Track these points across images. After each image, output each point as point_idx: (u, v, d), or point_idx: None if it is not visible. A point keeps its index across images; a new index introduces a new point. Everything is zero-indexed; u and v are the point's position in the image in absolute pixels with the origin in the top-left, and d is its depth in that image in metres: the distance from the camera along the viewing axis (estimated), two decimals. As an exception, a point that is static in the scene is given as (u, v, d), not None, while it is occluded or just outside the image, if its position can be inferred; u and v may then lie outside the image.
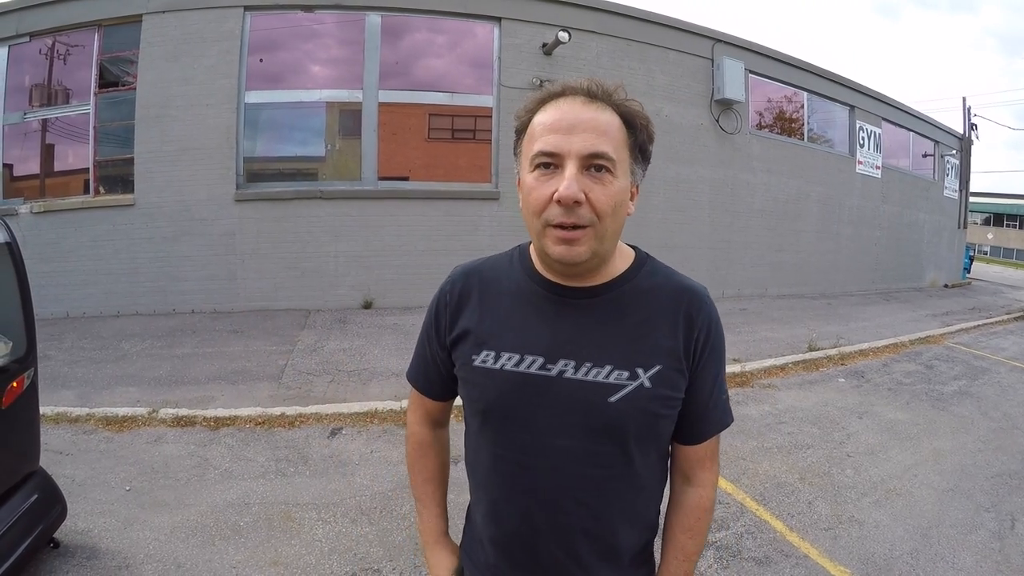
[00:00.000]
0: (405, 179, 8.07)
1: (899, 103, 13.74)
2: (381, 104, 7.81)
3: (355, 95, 7.78)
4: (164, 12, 7.26)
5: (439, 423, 1.23)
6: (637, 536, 1.03)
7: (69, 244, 7.31)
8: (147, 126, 7.28)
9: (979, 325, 9.70)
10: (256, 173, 7.69)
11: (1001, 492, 3.66)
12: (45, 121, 7.63)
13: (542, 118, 0.90)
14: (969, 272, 19.08)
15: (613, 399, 0.92)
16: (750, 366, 5.96)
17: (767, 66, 10.69)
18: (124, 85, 7.53)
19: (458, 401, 1.15)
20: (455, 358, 1.05)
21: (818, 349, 6.75)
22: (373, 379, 5.14)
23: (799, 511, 3.31)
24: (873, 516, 3.29)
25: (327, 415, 4.32)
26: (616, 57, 8.80)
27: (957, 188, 16.47)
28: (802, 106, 11.59)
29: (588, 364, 0.93)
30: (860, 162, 12.51)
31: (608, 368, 0.93)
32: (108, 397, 4.56)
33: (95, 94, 7.48)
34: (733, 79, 9.65)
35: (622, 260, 1.00)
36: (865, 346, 7.24)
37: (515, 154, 0.99)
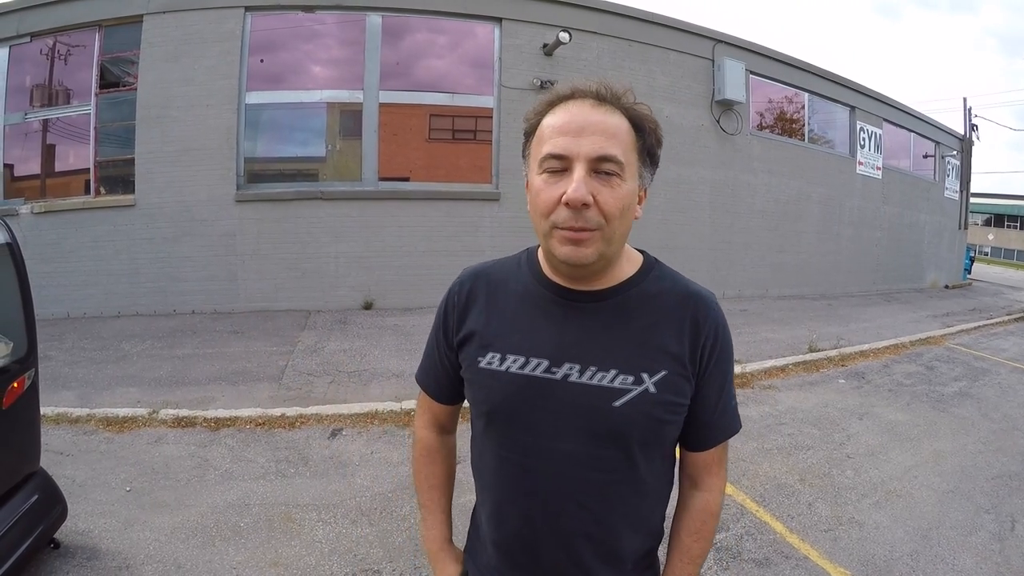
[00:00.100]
0: (406, 180, 8.08)
1: (900, 104, 13.74)
2: (382, 105, 7.81)
3: (356, 96, 7.79)
4: (165, 12, 7.26)
5: (446, 429, 1.23)
6: (640, 541, 1.03)
7: (70, 244, 7.31)
8: (148, 126, 7.28)
9: (980, 326, 9.69)
10: (257, 174, 7.70)
11: (1001, 493, 3.66)
12: (46, 121, 7.63)
13: (551, 120, 0.90)
14: (970, 273, 19.09)
15: (617, 404, 0.92)
16: (750, 367, 5.96)
17: (768, 67, 10.69)
18: (125, 85, 7.53)
19: (465, 404, 1.16)
20: (461, 359, 1.06)
21: (818, 350, 6.75)
22: (373, 380, 5.14)
23: (799, 512, 3.31)
24: (873, 517, 3.28)
25: (327, 416, 4.32)
26: (617, 58, 8.80)
27: (958, 189, 16.46)
28: (803, 107, 11.59)
29: (593, 368, 0.93)
30: (861, 163, 12.51)
31: (613, 372, 0.93)
32: (108, 398, 4.56)
33: (96, 94, 7.49)
34: (734, 80, 9.65)
35: (629, 264, 1.00)
36: (866, 347, 7.24)
37: (524, 156, 0.99)
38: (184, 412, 4.26)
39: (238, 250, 7.46)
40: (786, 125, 11.47)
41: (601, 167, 0.86)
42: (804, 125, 11.65)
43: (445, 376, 1.13)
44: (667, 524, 1.10)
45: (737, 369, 5.79)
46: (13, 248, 2.39)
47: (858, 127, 12.43)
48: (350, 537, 2.89)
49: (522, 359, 0.96)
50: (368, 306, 7.70)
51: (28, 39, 7.52)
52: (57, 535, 2.62)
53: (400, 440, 4.01)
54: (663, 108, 9.09)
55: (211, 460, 3.66)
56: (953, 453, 4.27)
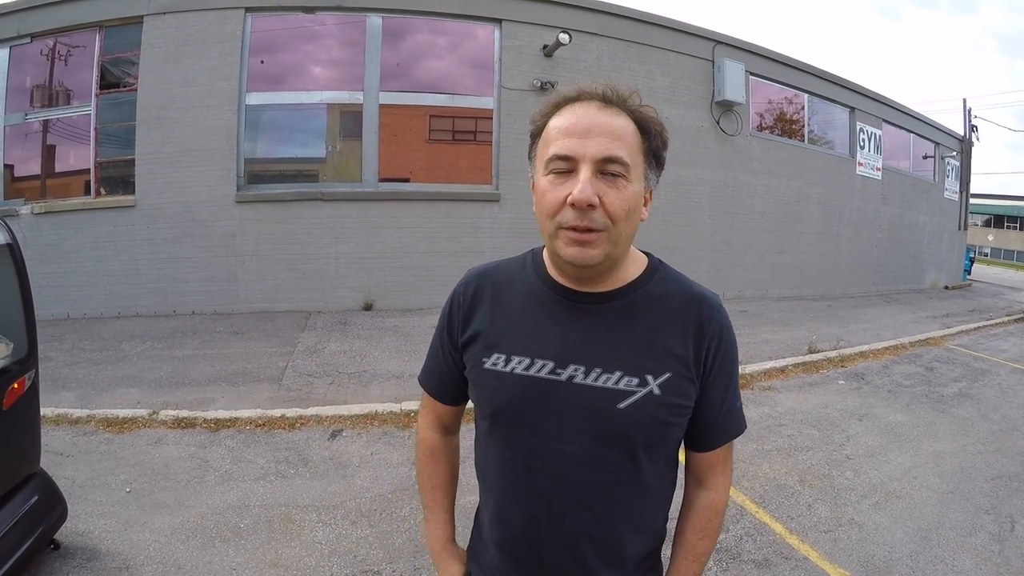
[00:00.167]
0: (406, 181, 8.08)
1: (899, 104, 13.75)
2: (382, 106, 7.82)
3: (356, 97, 7.79)
4: (165, 13, 7.27)
5: (450, 429, 1.23)
6: (643, 543, 1.03)
7: (70, 245, 7.32)
8: (148, 127, 7.29)
9: (979, 327, 9.69)
10: (257, 175, 7.70)
11: (1001, 494, 3.66)
12: (46, 122, 7.64)
13: (557, 122, 0.91)
14: (969, 274, 19.10)
15: (622, 405, 0.92)
16: (750, 368, 5.96)
17: (767, 68, 10.70)
18: (125, 86, 7.54)
19: (469, 404, 1.16)
20: (466, 360, 1.06)
21: (818, 351, 6.75)
22: (373, 381, 5.14)
23: (799, 513, 3.31)
24: (873, 518, 3.29)
25: (327, 417, 4.32)
26: (616, 59, 8.81)
27: (957, 190, 16.47)
28: (802, 108, 11.60)
29: (598, 370, 0.93)
30: (860, 164, 12.51)
31: (618, 374, 0.93)
32: (109, 398, 4.56)
33: (96, 95, 7.50)
34: (733, 81, 9.66)
35: (635, 266, 1.01)
36: (865, 348, 7.24)
37: (529, 158, 0.99)
38: (184, 413, 4.26)
39: (238, 251, 7.47)
40: (786, 126, 11.48)
41: (607, 168, 0.86)
42: (804, 126, 11.66)
43: (449, 377, 1.13)
44: (670, 524, 1.11)
45: (737, 370, 5.79)
46: (13, 249, 2.39)
47: (858, 128, 12.44)
48: (350, 538, 2.89)
49: (527, 360, 0.96)
50: (368, 307, 7.70)
51: (29, 40, 7.53)
52: (57, 536, 2.62)
53: (400, 441, 4.01)
54: (663, 109, 9.01)
55: (211, 461, 3.66)
56: (953, 454, 4.27)
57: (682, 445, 1.06)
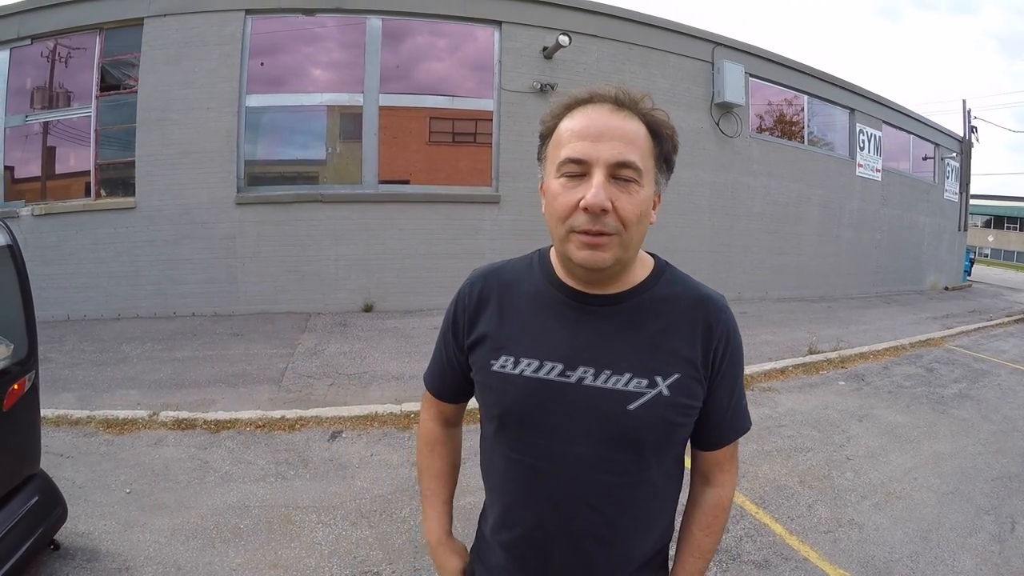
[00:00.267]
0: (406, 183, 8.09)
1: (899, 106, 13.75)
2: (382, 108, 7.83)
3: (356, 99, 7.80)
4: (165, 15, 7.28)
5: (451, 422, 1.24)
6: (651, 543, 1.03)
7: (70, 247, 7.33)
8: (148, 129, 7.30)
9: (979, 328, 9.69)
10: (257, 176, 7.71)
11: (1001, 495, 3.66)
12: (46, 124, 7.65)
13: (569, 124, 0.90)
14: (969, 275, 19.10)
15: (632, 407, 0.92)
16: (750, 369, 5.96)
17: (767, 69, 10.71)
18: (125, 88, 7.55)
19: (472, 404, 1.16)
20: (472, 362, 1.06)
21: (818, 352, 6.75)
22: (373, 382, 5.14)
23: (799, 514, 3.31)
24: (873, 519, 3.29)
25: (327, 418, 4.32)
26: (616, 61, 8.82)
27: (957, 191, 16.48)
28: (802, 109, 11.60)
29: (607, 372, 0.93)
30: (860, 165, 12.52)
31: (627, 376, 0.93)
32: (109, 400, 4.56)
33: (96, 97, 7.51)
34: (733, 82, 9.67)
35: (641, 268, 1.01)
36: (865, 349, 7.24)
37: (539, 159, 0.99)
38: (184, 414, 4.27)
39: (238, 253, 7.47)
40: (786, 127, 11.49)
41: (620, 173, 0.86)
42: (804, 127, 11.67)
43: (452, 377, 1.13)
44: (675, 524, 1.11)
45: (737, 371, 5.79)
46: (14, 250, 2.39)
47: (857, 129, 12.45)
48: (350, 539, 2.89)
49: (536, 362, 0.96)
50: (368, 308, 7.70)
51: (29, 41, 7.54)
52: (57, 537, 2.62)
53: (400, 442, 4.01)
54: (662, 111, 9.09)
55: (211, 462, 3.66)
56: (953, 455, 4.27)
57: (687, 444, 1.07)
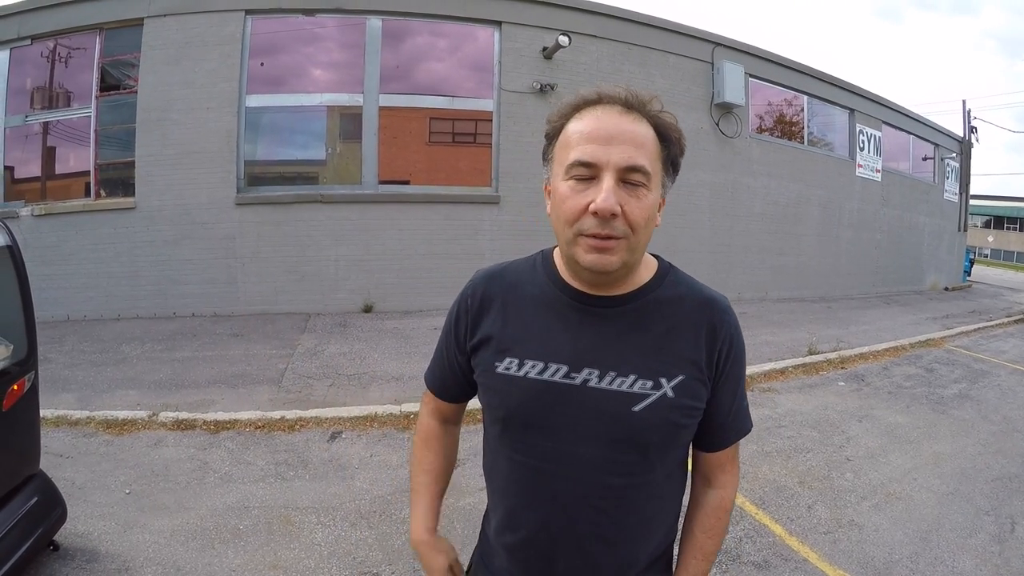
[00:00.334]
0: (405, 183, 8.09)
1: (899, 106, 13.76)
2: (382, 108, 7.83)
3: (356, 99, 7.80)
4: (165, 16, 7.28)
5: (449, 420, 1.23)
6: (655, 544, 1.03)
7: (70, 247, 7.32)
8: (148, 129, 7.30)
9: (979, 328, 9.69)
10: (257, 177, 7.71)
11: (1001, 495, 3.66)
12: (46, 124, 7.65)
13: (578, 126, 0.90)
14: (969, 275, 19.09)
15: (637, 408, 0.92)
16: (750, 370, 5.96)
17: (767, 70, 10.71)
18: (125, 88, 7.55)
19: (472, 404, 1.16)
20: (475, 364, 1.05)
21: (818, 353, 6.75)
22: (373, 383, 5.14)
23: (798, 515, 3.31)
24: (873, 520, 3.29)
25: (327, 419, 4.32)
26: (616, 61, 8.82)
27: (957, 191, 16.48)
28: (802, 109, 11.61)
29: (612, 373, 0.93)
30: (860, 165, 12.52)
31: (632, 378, 0.93)
32: (108, 400, 4.56)
33: (96, 97, 7.51)
34: (733, 83, 9.67)
35: (646, 270, 1.01)
36: (865, 349, 7.24)
37: (545, 159, 0.98)
38: (184, 415, 4.26)
39: (238, 253, 7.47)
40: (785, 128, 11.49)
41: (629, 177, 0.86)
42: (803, 128, 11.67)
43: (453, 378, 1.13)
44: (678, 525, 1.11)
45: (737, 371, 5.79)
46: (13, 250, 2.39)
47: (857, 130, 12.45)
48: (349, 540, 2.89)
49: (541, 364, 0.96)
50: (368, 309, 7.70)
51: (29, 42, 7.54)
52: (57, 537, 2.62)
53: (399, 443, 4.01)
54: (662, 111, 9.09)
55: (211, 463, 3.66)
56: (953, 455, 4.27)
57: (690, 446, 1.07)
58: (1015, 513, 3.43)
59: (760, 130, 10.95)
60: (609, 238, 0.86)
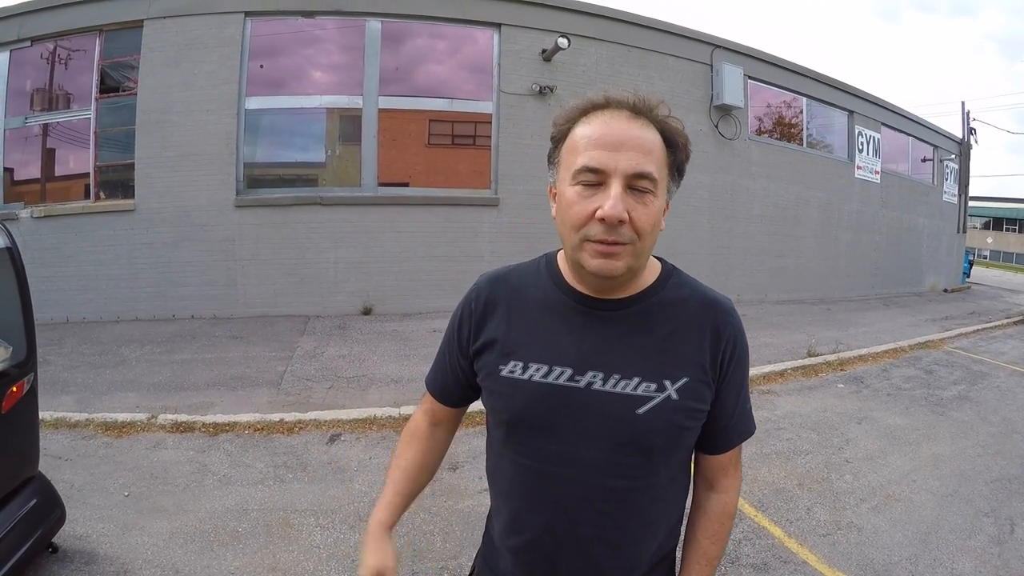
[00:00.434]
0: (405, 185, 8.09)
1: (898, 108, 13.78)
2: (381, 110, 7.83)
3: (355, 101, 7.81)
4: (165, 18, 7.29)
5: (439, 423, 1.22)
6: (659, 546, 1.03)
7: (69, 249, 7.32)
8: (148, 131, 7.30)
9: (979, 329, 9.70)
10: (256, 179, 7.71)
11: (1000, 497, 3.66)
12: (46, 126, 7.65)
13: (586, 131, 0.89)
14: (969, 276, 19.10)
15: (641, 411, 0.92)
16: (749, 372, 5.95)
17: (766, 71, 10.73)
18: (125, 90, 7.55)
19: (475, 407, 1.15)
20: (478, 368, 1.05)
21: (817, 355, 6.75)
22: (372, 385, 5.14)
23: (797, 517, 3.31)
24: (872, 522, 3.29)
25: (326, 421, 4.32)
26: (615, 63, 8.83)
27: (956, 192, 16.50)
28: (801, 111, 11.63)
29: (616, 376, 0.93)
30: (859, 167, 12.53)
31: (636, 380, 0.93)
32: (107, 402, 4.56)
33: (96, 99, 7.51)
34: (732, 85, 9.68)
35: (649, 272, 1.01)
36: (864, 351, 7.24)
37: (551, 162, 0.98)
38: (183, 417, 4.26)
39: (237, 255, 7.47)
40: (784, 130, 11.50)
41: (636, 184, 0.86)
42: (803, 130, 11.69)
43: (455, 382, 1.13)
44: (682, 527, 1.11)
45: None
46: (13, 252, 2.39)
47: (856, 131, 12.46)
48: (348, 542, 2.89)
49: (545, 368, 0.96)
50: (367, 311, 7.70)
51: (29, 43, 7.55)
52: (55, 539, 2.62)
53: (399, 445, 4.00)
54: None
55: (210, 465, 3.65)
56: (952, 457, 4.27)
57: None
58: (1014, 515, 3.43)
59: (759, 132, 10.96)
60: (615, 244, 0.86)
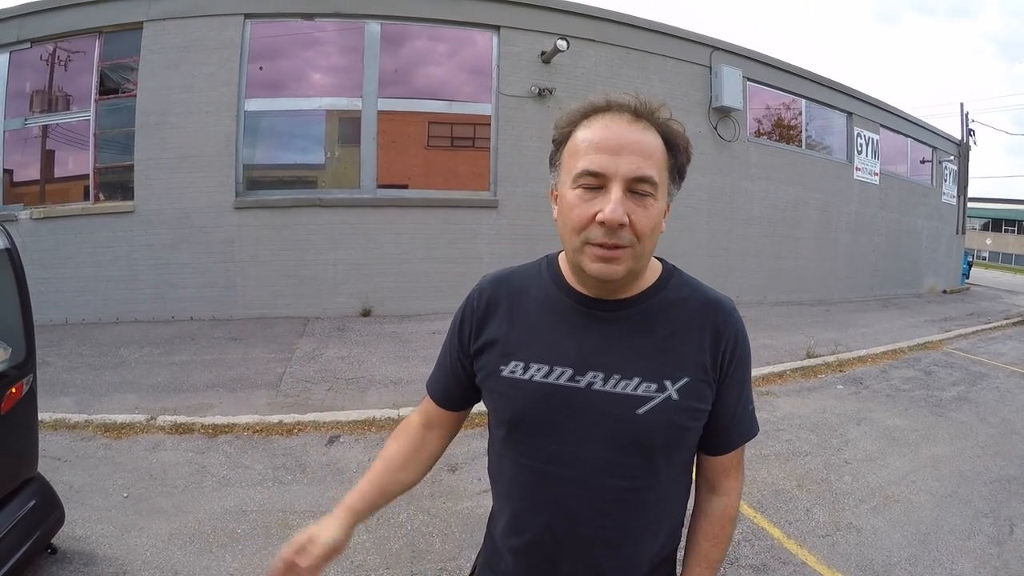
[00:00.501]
0: (404, 187, 8.10)
1: (897, 109, 13.80)
2: (380, 112, 7.84)
3: (354, 103, 7.82)
4: (165, 20, 7.30)
5: (431, 425, 1.19)
6: (659, 547, 1.03)
7: (69, 250, 7.32)
8: (147, 133, 7.31)
9: (978, 331, 9.70)
10: (255, 181, 7.71)
11: (1000, 497, 3.66)
12: (46, 127, 7.66)
13: (587, 134, 0.90)
14: (967, 278, 19.12)
15: (641, 411, 0.92)
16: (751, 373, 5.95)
17: (765, 73, 10.75)
18: (124, 92, 7.56)
19: (477, 409, 1.15)
20: (478, 368, 1.05)
21: (816, 356, 6.76)
22: (371, 387, 5.14)
23: (797, 518, 3.31)
24: (871, 523, 3.29)
25: (325, 423, 4.32)
26: (614, 65, 8.84)
27: (955, 194, 16.52)
28: (800, 113, 11.64)
29: (617, 376, 0.94)
30: (858, 169, 12.55)
31: (636, 380, 0.93)
32: (107, 404, 4.56)
33: (95, 101, 7.52)
34: (731, 87, 9.69)
35: (650, 273, 1.01)
36: (863, 352, 7.24)
37: (552, 165, 0.98)
38: (182, 419, 4.26)
39: (236, 257, 7.47)
40: (783, 132, 11.52)
41: (637, 188, 0.86)
42: (801, 131, 11.70)
43: (456, 383, 1.13)
44: (683, 529, 1.11)
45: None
46: (12, 254, 2.40)
47: (855, 133, 12.48)
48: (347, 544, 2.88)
49: (546, 368, 0.96)
50: (366, 313, 7.70)
51: (28, 45, 7.56)
52: (54, 540, 2.62)
53: (398, 446, 4.00)
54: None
55: (209, 467, 3.65)
56: (951, 458, 4.27)
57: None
58: (1014, 515, 3.43)
59: (758, 134, 10.97)
60: (616, 247, 0.87)
